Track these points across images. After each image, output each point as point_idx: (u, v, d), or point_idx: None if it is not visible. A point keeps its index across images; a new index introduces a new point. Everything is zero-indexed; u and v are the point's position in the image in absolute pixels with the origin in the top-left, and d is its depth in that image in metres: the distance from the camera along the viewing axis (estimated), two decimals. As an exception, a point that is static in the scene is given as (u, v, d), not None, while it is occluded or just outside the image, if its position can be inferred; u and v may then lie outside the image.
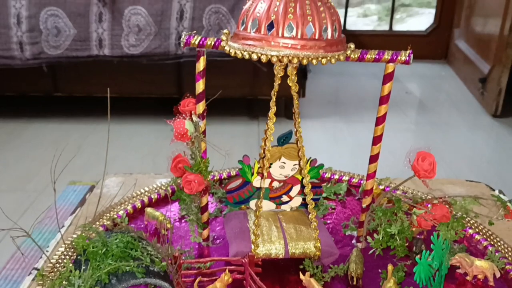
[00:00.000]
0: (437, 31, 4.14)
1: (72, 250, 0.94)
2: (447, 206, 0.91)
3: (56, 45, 2.52)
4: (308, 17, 0.74)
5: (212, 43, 0.84)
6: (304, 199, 0.99)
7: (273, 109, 0.86)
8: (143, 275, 0.76)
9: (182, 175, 0.92)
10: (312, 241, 0.92)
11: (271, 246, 0.91)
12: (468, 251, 0.99)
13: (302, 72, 2.79)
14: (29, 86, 2.84)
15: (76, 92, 2.90)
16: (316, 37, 0.75)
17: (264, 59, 0.75)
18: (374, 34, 4.43)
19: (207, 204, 0.99)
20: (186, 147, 0.93)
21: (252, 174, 0.96)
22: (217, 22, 2.50)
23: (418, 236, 1.00)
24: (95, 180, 1.38)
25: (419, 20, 4.75)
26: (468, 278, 0.92)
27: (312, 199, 0.91)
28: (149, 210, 1.05)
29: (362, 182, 1.22)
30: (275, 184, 0.97)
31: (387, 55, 0.84)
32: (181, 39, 0.85)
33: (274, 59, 0.75)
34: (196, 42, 0.85)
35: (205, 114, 0.91)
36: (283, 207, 1.00)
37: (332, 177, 1.25)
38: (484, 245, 1.02)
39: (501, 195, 1.16)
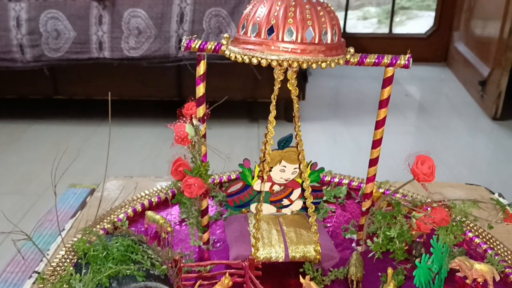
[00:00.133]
0: (437, 33, 4.15)
1: (73, 253, 0.94)
2: (446, 209, 0.91)
3: (56, 47, 2.53)
4: (308, 22, 0.74)
5: (213, 47, 0.84)
6: (304, 203, 0.99)
7: (273, 112, 0.86)
8: (143, 279, 0.76)
9: (183, 179, 0.92)
10: (312, 244, 0.92)
11: (271, 250, 0.92)
12: (468, 255, 0.99)
13: (302, 75, 2.80)
14: (30, 88, 2.84)
15: (76, 95, 2.90)
16: (316, 41, 0.75)
17: (264, 63, 0.75)
18: (374, 37, 4.43)
19: (207, 207, 0.99)
20: (187, 151, 0.93)
21: (253, 178, 0.96)
22: (217, 25, 2.50)
23: (417, 240, 1.00)
24: (95, 182, 1.39)
25: (419, 23, 4.76)
26: (467, 281, 0.92)
27: (312, 202, 0.92)
28: (149, 213, 1.05)
29: (362, 185, 1.23)
30: (276, 188, 0.97)
31: (386, 59, 0.84)
32: (182, 43, 0.85)
33: (274, 63, 0.75)
34: (197, 46, 0.85)
35: (205, 118, 0.92)
36: (284, 210, 1.01)
37: (332, 180, 1.26)
38: (483, 248, 1.02)
39: (501, 199, 1.17)
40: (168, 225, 1.01)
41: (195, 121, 0.91)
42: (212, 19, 2.50)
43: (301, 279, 0.84)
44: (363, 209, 0.99)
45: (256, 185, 0.96)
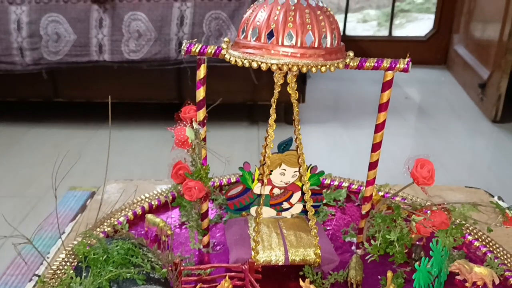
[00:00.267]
0: (437, 36, 4.16)
1: (73, 256, 0.94)
2: (446, 212, 0.91)
3: (55, 50, 2.53)
4: (308, 26, 0.75)
5: (213, 51, 0.85)
6: (304, 206, 0.99)
7: (273, 116, 0.86)
8: (143, 282, 0.77)
9: (183, 182, 0.92)
10: (312, 247, 0.92)
11: (271, 253, 0.92)
12: (467, 258, 0.99)
13: (302, 77, 2.80)
14: (30, 91, 2.85)
15: (76, 98, 2.91)
16: (316, 46, 0.75)
17: (264, 67, 0.75)
18: (374, 39, 4.44)
19: (207, 210, 0.99)
20: (187, 154, 0.93)
21: (253, 181, 0.96)
22: (217, 28, 2.51)
23: (417, 243, 1.00)
24: (95, 185, 1.39)
25: (419, 25, 4.77)
26: (467, 284, 0.92)
27: (312, 206, 0.92)
28: (149, 216, 1.05)
29: (361, 188, 1.23)
30: (276, 191, 0.98)
31: (386, 63, 0.84)
32: (182, 47, 0.86)
33: (274, 67, 0.75)
34: (197, 50, 0.85)
35: (205, 121, 0.92)
36: (284, 214, 1.01)
37: (331, 183, 1.26)
38: (483, 251, 1.02)
39: (500, 202, 1.17)
40: (168, 228, 1.01)
41: (195, 125, 0.91)
42: (212, 22, 2.51)
43: (301, 282, 0.84)
44: (363, 212, 0.99)
45: (256, 188, 0.96)
